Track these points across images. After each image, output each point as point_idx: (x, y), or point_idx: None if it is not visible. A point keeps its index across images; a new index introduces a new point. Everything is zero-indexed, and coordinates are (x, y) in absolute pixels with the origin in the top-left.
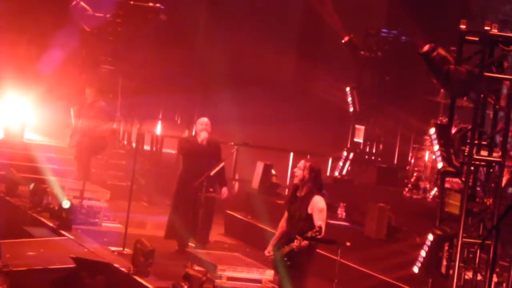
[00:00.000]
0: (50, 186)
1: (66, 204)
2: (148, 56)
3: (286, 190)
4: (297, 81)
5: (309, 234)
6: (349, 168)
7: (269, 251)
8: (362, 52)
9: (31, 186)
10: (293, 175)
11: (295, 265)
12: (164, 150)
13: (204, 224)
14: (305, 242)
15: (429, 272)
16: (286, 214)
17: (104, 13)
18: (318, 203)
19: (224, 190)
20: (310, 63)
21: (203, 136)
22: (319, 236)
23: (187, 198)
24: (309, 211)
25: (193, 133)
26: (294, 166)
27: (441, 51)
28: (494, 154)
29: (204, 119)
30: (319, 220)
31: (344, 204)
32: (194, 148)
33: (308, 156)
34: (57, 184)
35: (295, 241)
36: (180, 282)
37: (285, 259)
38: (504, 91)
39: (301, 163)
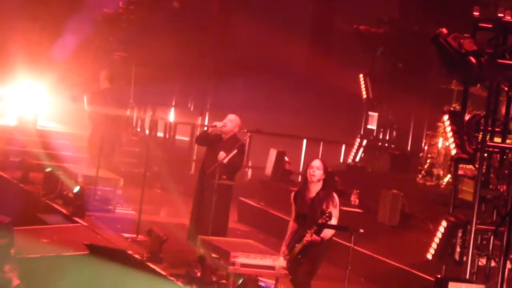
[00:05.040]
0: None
1: (75, 188)
2: (161, 43)
3: (299, 177)
4: (310, 68)
5: (319, 221)
6: (363, 155)
7: (283, 251)
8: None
9: (45, 172)
10: (306, 161)
11: (310, 258)
12: (177, 137)
13: (219, 212)
14: (315, 237)
15: (443, 259)
16: (293, 215)
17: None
18: (335, 199)
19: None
20: (323, 50)
21: (218, 125)
22: (329, 222)
23: (197, 188)
24: (324, 206)
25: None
26: (307, 153)
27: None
28: (508, 141)
29: (229, 116)
30: (333, 216)
31: (358, 191)
32: (210, 139)
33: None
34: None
35: (307, 235)
36: (193, 268)
37: (299, 256)
38: None
39: (318, 163)
